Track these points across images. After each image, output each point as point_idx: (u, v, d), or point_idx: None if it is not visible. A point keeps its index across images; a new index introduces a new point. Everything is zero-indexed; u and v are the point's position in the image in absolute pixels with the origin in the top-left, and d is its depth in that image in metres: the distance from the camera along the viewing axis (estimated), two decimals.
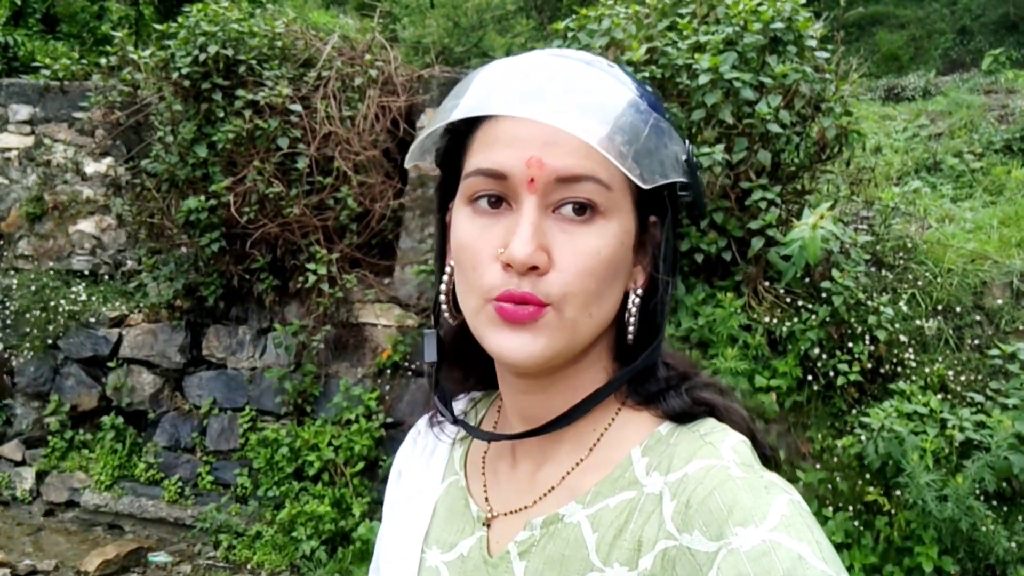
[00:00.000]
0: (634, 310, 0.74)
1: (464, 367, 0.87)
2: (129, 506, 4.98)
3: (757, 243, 3.70)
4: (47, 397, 5.26)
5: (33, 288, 5.35)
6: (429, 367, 0.82)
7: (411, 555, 0.83)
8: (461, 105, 0.68)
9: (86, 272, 5.62)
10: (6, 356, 5.30)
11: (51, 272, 5.59)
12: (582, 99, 0.66)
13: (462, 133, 0.73)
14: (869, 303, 3.72)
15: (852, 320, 3.67)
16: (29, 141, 5.68)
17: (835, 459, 3.55)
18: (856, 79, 4.10)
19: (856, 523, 3.37)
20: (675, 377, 0.76)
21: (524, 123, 0.66)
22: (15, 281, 5.44)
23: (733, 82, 3.64)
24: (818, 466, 3.55)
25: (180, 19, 4.70)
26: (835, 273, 3.67)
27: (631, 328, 0.74)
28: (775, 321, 3.73)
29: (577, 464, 0.76)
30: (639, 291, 0.74)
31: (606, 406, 0.77)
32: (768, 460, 0.71)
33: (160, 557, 4.60)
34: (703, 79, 3.62)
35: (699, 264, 3.87)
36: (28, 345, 5.25)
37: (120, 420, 5.16)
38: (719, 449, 0.67)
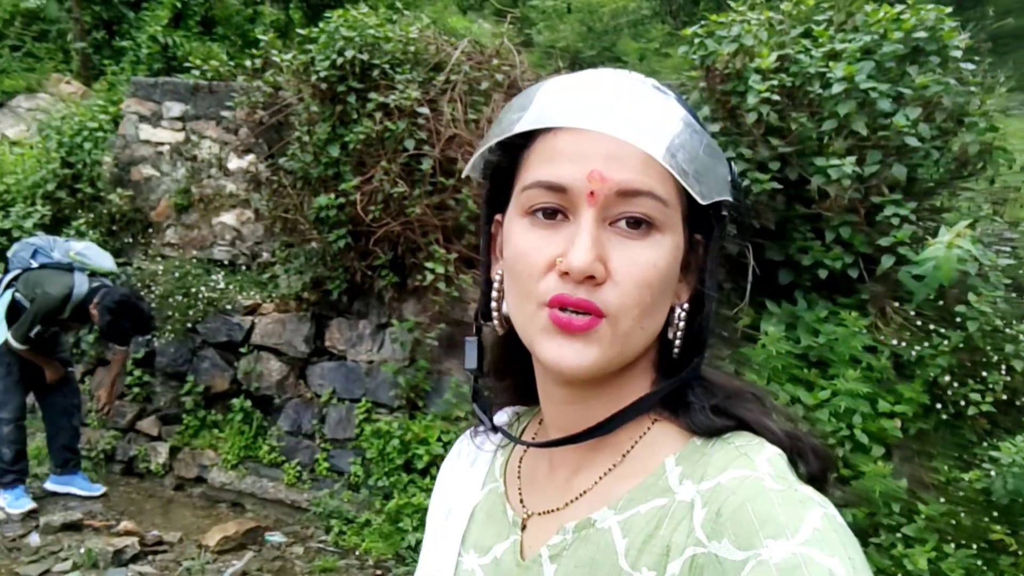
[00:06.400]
0: (681, 324, 0.75)
1: (508, 378, 0.89)
2: (251, 486, 5.24)
3: (887, 261, 3.54)
4: (184, 377, 5.60)
5: (177, 275, 5.70)
6: (468, 375, 0.85)
7: (449, 559, 0.85)
8: (525, 118, 0.69)
9: (225, 262, 5.95)
10: (149, 337, 5.67)
11: (194, 260, 5.95)
12: (643, 115, 0.68)
13: (518, 147, 0.74)
14: (1007, 331, 3.49)
15: (987, 348, 3.45)
16: (180, 137, 6.07)
17: (960, 492, 3.34)
18: (1004, 93, 3.85)
19: (979, 561, 3.16)
20: (710, 394, 0.75)
21: (585, 137, 0.67)
22: (161, 267, 5.80)
23: (869, 92, 3.50)
24: (941, 499, 3.36)
25: (322, 24, 4.92)
26: (971, 297, 3.46)
27: (677, 342, 0.75)
28: (903, 344, 3.55)
29: (610, 470, 0.76)
30: (684, 306, 0.75)
31: (640, 419, 0.76)
32: (818, 477, 0.70)
33: (276, 537, 4.80)
34: (836, 88, 3.50)
35: (821, 280, 3.73)
36: (169, 328, 5.60)
37: (248, 403, 5.43)
38: (754, 461, 0.67)
